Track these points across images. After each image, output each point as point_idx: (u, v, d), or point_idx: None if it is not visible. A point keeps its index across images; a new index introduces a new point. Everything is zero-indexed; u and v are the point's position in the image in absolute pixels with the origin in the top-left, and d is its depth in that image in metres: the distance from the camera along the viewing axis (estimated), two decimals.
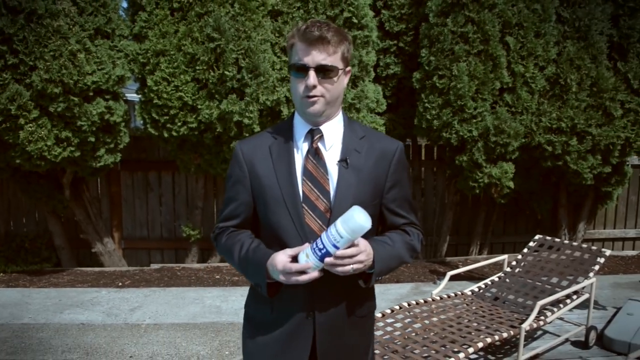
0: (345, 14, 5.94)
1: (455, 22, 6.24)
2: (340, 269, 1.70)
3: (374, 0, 6.76)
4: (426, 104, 6.42)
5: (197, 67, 5.76)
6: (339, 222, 1.66)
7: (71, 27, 5.40)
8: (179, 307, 5.50)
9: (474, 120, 6.27)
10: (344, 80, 1.90)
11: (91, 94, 5.59)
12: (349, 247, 1.69)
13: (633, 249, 8.38)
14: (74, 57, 5.34)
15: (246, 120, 5.75)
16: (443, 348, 3.57)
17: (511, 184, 6.46)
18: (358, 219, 1.64)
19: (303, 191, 1.86)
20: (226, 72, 5.65)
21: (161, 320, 5.15)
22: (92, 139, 5.79)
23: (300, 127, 1.92)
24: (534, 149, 6.65)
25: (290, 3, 5.94)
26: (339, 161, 1.89)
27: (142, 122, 6.34)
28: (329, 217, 1.84)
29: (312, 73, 1.77)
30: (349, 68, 1.89)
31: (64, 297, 5.84)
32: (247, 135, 5.89)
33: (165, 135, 6.04)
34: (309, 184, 1.87)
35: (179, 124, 5.91)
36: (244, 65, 5.69)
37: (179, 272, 6.88)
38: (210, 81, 5.75)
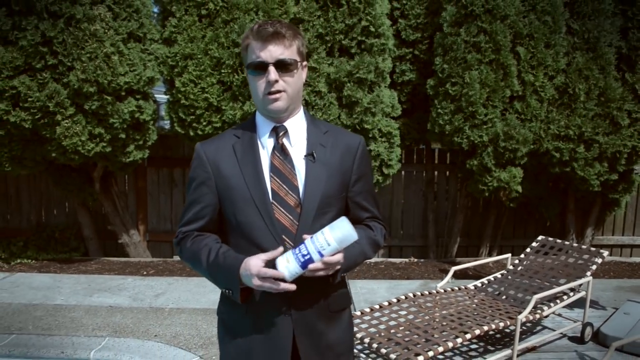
0: (363, 22, 6.27)
1: (468, 32, 6.53)
2: (322, 273, 1.74)
3: (391, 9, 7.08)
4: (439, 110, 6.72)
5: (223, 71, 6.13)
6: (327, 230, 1.69)
7: (106, 31, 5.80)
8: (200, 294, 5.86)
9: (485, 126, 6.56)
10: (303, 74, 1.92)
11: (123, 93, 5.99)
12: (333, 254, 1.72)
13: None
14: (109, 59, 5.74)
15: None
16: (444, 333, 3.88)
17: (519, 188, 6.73)
18: (348, 229, 1.68)
19: (272, 188, 1.88)
20: None
21: (183, 305, 5.51)
22: (123, 136, 6.18)
23: (264, 125, 1.94)
24: (542, 155, 6.92)
25: (311, 12, 6.29)
26: (305, 155, 1.91)
27: (169, 121, 6.71)
28: (300, 211, 1.87)
29: (271, 68, 1.80)
30: (305, 62, 1.92)
31: (92, 282, 6.23)
32: None
33: (191, 133, 6.40)
34: (277, 180, 1.88)
35: (204, 123, 6.28)
36: None
37: None
38: (235, 84, 6.11)
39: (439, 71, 6.72)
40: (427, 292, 4.74)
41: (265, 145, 1.92)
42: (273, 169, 1.89)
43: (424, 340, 3.78)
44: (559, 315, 5.19)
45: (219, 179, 1.91)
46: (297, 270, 1.70)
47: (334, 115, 6.25)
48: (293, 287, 1.72)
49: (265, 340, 1.89)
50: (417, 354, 3.51)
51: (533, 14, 6.67)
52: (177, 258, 7.60)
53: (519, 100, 6.70)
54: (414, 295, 4.60)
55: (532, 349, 4.60)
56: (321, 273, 1.74)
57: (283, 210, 1.87)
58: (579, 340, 4.80)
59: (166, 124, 7.34)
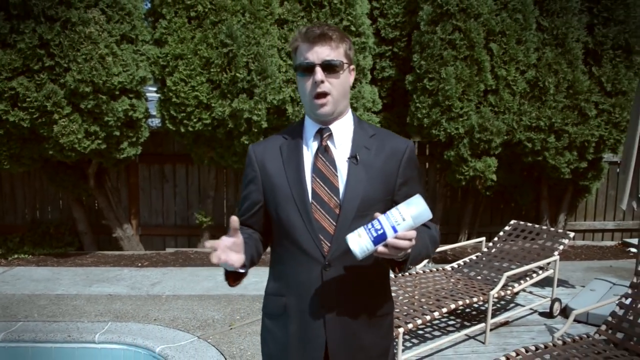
0: (345, 22, 6.62)
1: (444, 30, 6.90)
2: (393, 251, 1.65)
3: (371, 9, 7.43)
4: (417, 104, 7.09)
5: (212, 70, 6.44)
6: (403, 206, 1.65)
7: (100, 33, 6.09)
8: (194, 282, 6.19)
9: (460, 119, 6.93)
10: (349, 77, 1.94)
11: (117, 92, 6.28)
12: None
13: (612, 240, 9.03)
14: (103, 60, 6.03)
15: (255, 117, 6.43)
16: (421, 308, 4.25)
17: (494, 177, 7.12)
18: (423, 205, 1.65)
19: (313, 188, 1.89)
20: (237, 74, 6.33)
21: (179, 292, 5.84)
22: (117, 133, 6.48)
23: (310, 127, 1.96)
24: (516, 146, 7.31)
25: (295, 13, 6.63)
26: (348, 158, 1.91)
27: (160, 118, 7.01)
28: (339, 213, 1.86)
29: (318, 69, 1.82)
30: (352, 66, 1.95)
31: (90, 274, 6.53)
32: (255, 130, 6.58)
33: (182, 130, 6.71)
34: (319, 181, 1.89)
35: (195, 120, 6.59)
36: (254, 68, 6.38)
37: (192, 255, 7.57)
38: (223, 82, 6.43)
39: (417, 67, 7.09)
40: (407, 274, 5.10)
41: (310, 147, 1.94)
42: (315, 169, 1.91)
43: (404, 314, 4.14)
44: (530, 292, 5.59)
45: (265, 177, 1.96)
46: (369, 246, 1.64)
47: None
48: (217, 258, 1.65)
49: (300, 338, 1.92)
50: (398, 326, 3.87)
51: (505, 12, 7.06)
52: (169, 250, 7.92)
53: (493, 93, 7.08)
54: (395, 276, 4.96)
55: (504, 324, 4.99)
56: (394, 250, 1.66)
57: (322, 211, 1.88)
58: (548, 315, 5.19)
59: (152, 122, 7.62)
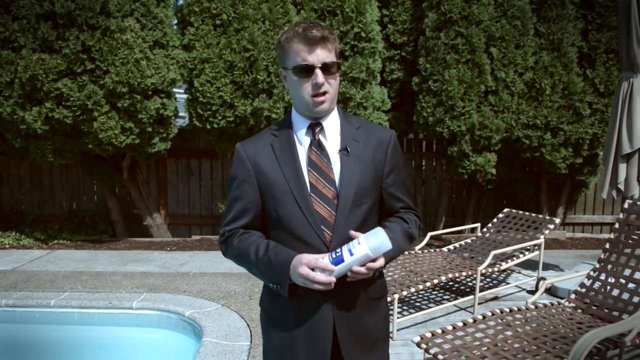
0: (355, 29, 7.26)
1: (447, 36, 7.51)
2: (363, 275, 1.85)
3: (381, 16, 8.07)
4: (423, 104, 7.71)
5: (235, 72, 7.13)
6: (363, 237, 1.81)
7: (135, 39, 6.80)
8: (218, 263, 6.87)
9: (463, 118, 7.53)
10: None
11: (150, 93, 6.99)
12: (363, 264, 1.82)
13: (610, 233, 9.52)
14: (138, 63, 6.74)
15: (274, 115, 7.10)
16: (416, 279, 4.88)
17: (493, 171, 7.72)
18: (383, 237, 1.78)
19: (310, 181, 1.95)
20: (258, 77, 7.01)
21: (205, 270, 6.53)
22: (149, 129, 7.19)
23: (300, 123, 2.01)
24: (514, 142, 7.90)
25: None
26: (339, 150, 1.99)
27: (188, 116, 7.72)
28: (337, 203, 1.95)
29: (319, 72, 1.87)
30: (340, 60, 2.27)
31: (124, 256, 7.25)
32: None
33: (208, 127, 7.40)
34: (315, 173, 1.95)
35: (219, 118, 7.28)
36: (273, 71, 7.05)
37: (215, 241, 8.26)
38: (245, 83, 7.11)
39: (422, 70, 7.71)
40: (406, 254, 5.73)
41: (302, 142, 2.00)
42: (311, 163, 1.96)
43: (400, 284, 4.78)
44: (519, 272, 6.19)
45: (259, 175, 1.98)
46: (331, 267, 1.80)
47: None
48: (333, 279, 1.80)
49: (307, 327, 1.97)
50: (394, 293, 4.51)
51: (504, 19, 7.64)
52: (195, 237, 8.62)
53: (493, 94, 7.67)
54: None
55: (494, 299, 5.59)
56: (362, 276, 1.84)
57: (321, 202, 1.94)
58: (534, 292, 5.78)
59: (178, 122, 8.31)
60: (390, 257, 1.96)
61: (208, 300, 5.42)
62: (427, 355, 3.62)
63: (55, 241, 8.17)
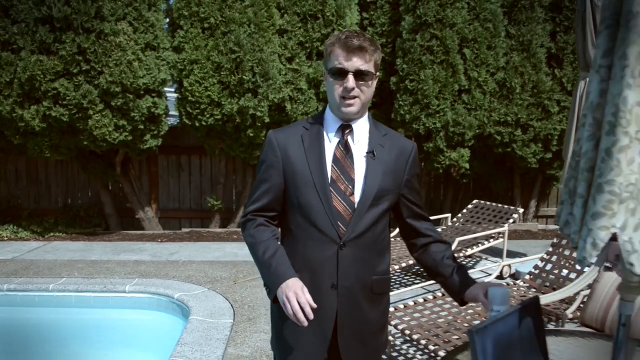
0: (336, 31, 7.69)
1: (423, 38, 7.97)
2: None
3: (361, 19, 8.53)
4: (400, 102, 8.16)
5: (222, 73, 7.56)
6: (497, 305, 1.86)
7: (128, 42, 7.21)
8: (206, 252, 7.31)
9: (437, 115, 7.99)
10: (374, 84, 2.08)
11: (142, 92, 7.41)
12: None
13: None
14: (130, 64, 7.16)
15: (258, 113, 7.54)
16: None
17: (467, 165, 8.18)
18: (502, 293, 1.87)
19: (331, 176, 2.04)
20: (244, 77, 7.45)
21: (193, 259, 6.97)
22: (141, 127, 7.61)
23: (332, 122, 2.10)
24: (487, 138, 8.36)
25: (293, 24, 7.73)
26: (367, 153, 2.09)
27: (178, 114, 8.14)
28: (354, 200, 2.05)
29: (350, 77, 1.96)
30: (378, 74, 2.10)
31: (117, 247, 7.67)
32: (259, 124, 7.69)
33: (196, 124, 7.83)
34: (337, 170, 2.05)
35: (207, 116, 7.70)
36: (258, 72, 7.49)
37: (204, 234, 8.70)
38: (232, 83, 7.55)
39: (400, 70, 8.16)
40: None
41: (331, 140, 2.09)
42: (335, 160, 2.06)
43: None
44: (487, 259, 6.65)
45: (286, 163, 2.08)
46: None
47: (313, 107, 7.71)
48: (305, 322, 1.85)
49: (313, 311, 1.99)
50: None
51: (477, 21, 8.11)
52: (184, 230, 9.05)
53: (466, 93, 8.14)
54: None
55: None
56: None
57: (339, 198, 2.04)
58: (499, 277, 6.24)
59: (169, 120, 8.73)
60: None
61: (195, 285, 5.85)
62: (391, 328, 4.08)
63: (52, 234, 8.57)
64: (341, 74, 1.98)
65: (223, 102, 7.61)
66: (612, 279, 3.63)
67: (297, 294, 1.86)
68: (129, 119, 7.44)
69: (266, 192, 2.11)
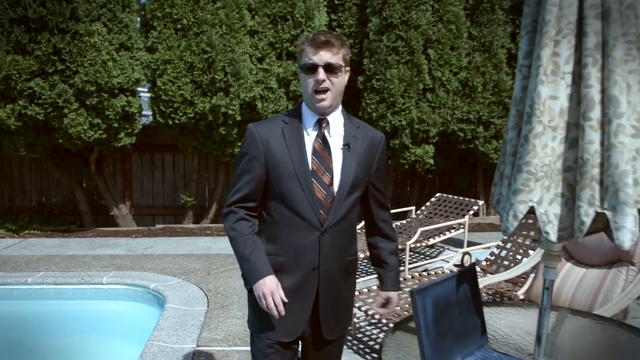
0: (305, 33, 7.98)
1: (389, 39, 8.30)
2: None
3: (329, 21, 8.83)
4: (367, 101, 8.48)
5: (195, 72, 7.79)
6: None
7: (103, 42, 7.41)
8: (180, 247, 7.54)
9: (403, 113, 8.32)
10: (345, 77, 2.23)
11: (116, 91, 7.61)
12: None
13: None
14: (105, 64, 7.36)
15: (230, 112, 7.79)
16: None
17: (431, 161, 8.53)
18: None
19: (312, 167, 2.18)
20: (216, 76, 7.69)
21: (168, 252, 7.19)
22: (116, 125, 7.80)
23: (309, 117, 2.23)
24: (451, 135, 8.73)
25: (263, 25, 8.00)
26: (343, 145, 2.23)
27: (151, 113, 8.35)
28: (334, 189, 2.20)
29: (321, 70, 2.10)
30: (348, 68, 2.23)
31: (93, 242, 7.85)
32: (230, 122, 7.93)
33: (170, 123, 8.05)
34: (317, 161, 2.19)
35: (180, 114, 7.93)
36: (229, 71, 7.73)
37: (178, 229, 8.91)
38: (204, 83, 7.78)
39: (367, 70, 8.48)
40: None
41: (310, 133, 2.22)
42: (315, 152, 2.20)
43: None
44: (449, 249, 6.99)
45: (268, 154, 2.19)
46: None
47: (283, 106, 7.99)
48: (277, 316, 2.12)
49: (295, 290, 2.23)
50: None
51: (441, 23, 8.46)
52: (158, 226, 9.25)
53: (430, 92, 8.49)
54: None
55: (424, 271, 6.37)
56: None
57: (319, 186, 2.18)
58: (460, 266, 6.58)
59: (142, 120, 8.93)
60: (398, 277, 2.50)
61: (170, 276, 6.09)
62: (355, 310, 4.39)
63: (27, 231, 8.69)
64: (312, 68, 2.11)
65: (196, 101, 7.84)
66: None
67: (272, 292, 2.08)
68: (103, 118, 7.62)
69: (248, 183, 2.21)
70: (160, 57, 7.84)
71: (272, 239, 2.25)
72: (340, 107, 2.30)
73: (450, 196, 7.20)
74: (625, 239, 1.75)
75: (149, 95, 8.40)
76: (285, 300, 2.11)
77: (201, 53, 7.76)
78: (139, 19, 8.11)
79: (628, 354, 2.12)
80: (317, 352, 2.43)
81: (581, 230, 1.81)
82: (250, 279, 2.16)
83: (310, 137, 2.22)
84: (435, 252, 7.10)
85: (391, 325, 3.88)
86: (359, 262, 5.66)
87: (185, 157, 9.50)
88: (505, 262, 5.23)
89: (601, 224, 1.88)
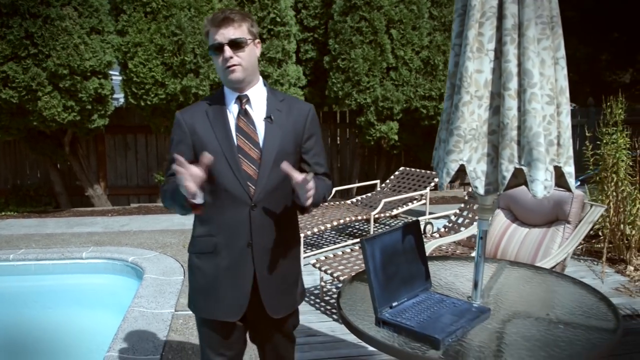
0: (271, 15, 8.25)
1: (353, 20, 8.60)
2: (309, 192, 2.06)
3: (295, 2, 9.10)
4: (333, 80, 8.80)
5: (165, 55, 8.02)
6: None
7: (74, 26, 7.59)
8: (155, 223, 7.83)
9: (368, 91, 8.67)
10: (255, 50, 2.22)
11: (89, 74, 7.81)
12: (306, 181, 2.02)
13: None
14: (77, 48, 7.55)
15: (201, 92, 8.05)
16: (320, 221, 5.98)
17: (396, 137, 8.91)
18: None
19: (238, 144, 2.21)
20: (186, 58, 7.94)
21: (144, 229, 7.49)
22: (89, 107, 8.02)
23: (230, 95, 2.26)
24: (414, 112, 9.10)
25: (231, 8, 8.22)
26: (264, 118, 2.25)
27: (123, 94, 8.57)
28: (260, 162, 2.21)
29: (226, 47, 2.11)
30: (257, 40, 2.22)
31: (70, 221, 8.10)
32: None
33: (142, 104, 8.28)
34: (242, 137, 2.22)
35: (152, 95, 8.16)
36: (199, 53, 7.98)
37: (153, 208, 9.19)
38: (175, 64, 8.02)
39: (332, 50, 8.79)
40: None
41: (232, 111, 2.25)
42: (238, 129, 2.22)
43: (308, 225, 5.87)
44: (410, 219, 7.39)
45: (194, 137, 2.23)
46: None
47: None
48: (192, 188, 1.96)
49: (230, 269, 2.25)
50: (300, 232, 5.59)
51: (403, 4, 8.78)
52: (133, 205, 9.51)
53: (393, 70, 8.84)
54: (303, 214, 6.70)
55: None
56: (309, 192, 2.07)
57: (248, 162, 2.21)
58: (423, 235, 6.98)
59: (115, 102, 9.13)
60: (315, 202, 2.22)
61: (147, 250, 6.39)
62: (322, 274, 4.76)
63: (2, 213, 8.89)
64: (218, 48, 2.14)
65: (167, 82, 8.08)
66: (500, 222, 4.38)
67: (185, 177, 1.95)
68: (77, 100, 7.83)
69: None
70: (130, 40, 8.05)
71: (205, 220, 2.26)
72: (261, 80, 2.33)
73: (413, 169, 7.59)
74: (538, 190, 2.13)
75: (120, 78, 8.60)
76: (200, 174, 1.98)
77: (171, 36, 7.98)
78: (108, 2, 8.27)
79: (562, 297, 2.49)
80: (264, 331, 2.49)
81: (503, 184, 2.19)
82: (180, 195, 2.04)
83: (232, 114, 2.25)
84: (399, 223, 7.50)
85: None
86: (327, 230, 6.01)
87: (157, 137, 9.72)
88: (462, 229, 5.62)
89: (522, 179, 2.26)
